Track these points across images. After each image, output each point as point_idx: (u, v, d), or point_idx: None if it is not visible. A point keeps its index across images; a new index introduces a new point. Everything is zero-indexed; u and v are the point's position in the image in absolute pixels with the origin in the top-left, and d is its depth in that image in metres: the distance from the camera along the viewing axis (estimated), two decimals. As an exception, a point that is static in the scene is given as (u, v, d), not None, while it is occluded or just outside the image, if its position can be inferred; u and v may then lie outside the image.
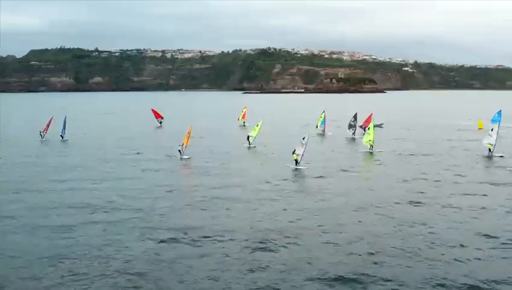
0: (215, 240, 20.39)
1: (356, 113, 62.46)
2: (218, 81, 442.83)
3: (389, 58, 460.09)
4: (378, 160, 41.97)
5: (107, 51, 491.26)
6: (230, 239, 20.38)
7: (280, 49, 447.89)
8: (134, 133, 64.36)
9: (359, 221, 22.99)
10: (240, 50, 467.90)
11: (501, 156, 42.07)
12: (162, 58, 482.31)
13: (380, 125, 74.39)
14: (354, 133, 60.54)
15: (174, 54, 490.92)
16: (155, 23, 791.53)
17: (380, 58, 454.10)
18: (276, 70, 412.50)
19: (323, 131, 64.14)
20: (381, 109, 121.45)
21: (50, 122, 57.95)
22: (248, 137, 49.21)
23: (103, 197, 28.00)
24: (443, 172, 35.14)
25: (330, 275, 16.64)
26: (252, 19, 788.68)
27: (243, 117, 78.31)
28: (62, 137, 56.13)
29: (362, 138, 58.99)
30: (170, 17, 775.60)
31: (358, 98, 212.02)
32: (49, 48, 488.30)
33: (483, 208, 25.06)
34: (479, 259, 17.98)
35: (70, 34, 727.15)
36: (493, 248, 19.12)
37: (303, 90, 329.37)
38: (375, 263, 17.60)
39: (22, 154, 46.12)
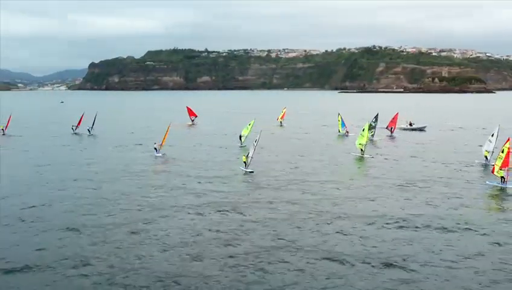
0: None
1: (377, 114, 59.82)
2: (321, 80, 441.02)
3: (507, 56, 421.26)
4: (338, 165, 40.37)
5: (216, 51, 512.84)
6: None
7: (386, 47, 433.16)
8: (161, 129, 67.73)
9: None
10: (344, 48, 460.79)
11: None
12: (266, 58, 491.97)
13: (422, 129, 70.26)
14: (373, 135, 58.06)
15: (279, 53, 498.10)
16: (263, 24, 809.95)
17: (496, 56, 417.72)
18: (379, 69, 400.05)
19: (347, 133, 62.34)
20: (459, 111, 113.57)
21: (82, 118, 63.43)
22: (240, 137, 49.66)
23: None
24: (406, 180, 32.46)
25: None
26: (359, 17, 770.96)
27: (282, 117, 78.51)
28: (89, 131, 61.27)
29: (379, 139, 56.89)
30: (277, 17, 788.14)
31: (457, 98, 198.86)
32: (164, 49, 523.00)
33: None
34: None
35: (184, 36, 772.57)
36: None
37: (402, 89, 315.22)
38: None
39: (46, 143, 54.57)
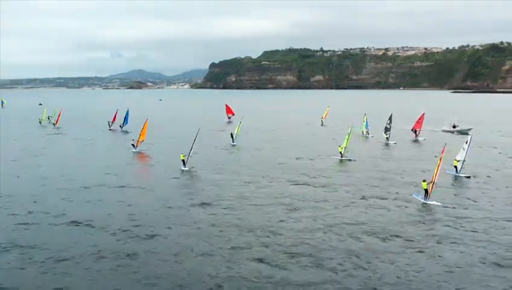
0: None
1: (391, 115, 56.81)
2: (440, 79, 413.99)
3: None
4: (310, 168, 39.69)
5: (331, 50, 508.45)
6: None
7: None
8: (193, 124, 70.63)
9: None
10: (468, 46, 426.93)
11: (468, 177, 34.51)
12: (382, 57, 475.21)
13: (467, 131, 64.83)
14: (388, 138, 55.43)
15: (396, 51, 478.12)
16: (382, 22, 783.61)
17: None
18: (506, 67, 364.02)
19: (368, 134, 60.33)
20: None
21: (116, 115, 68.99)
22: (231, 134, 50.80)
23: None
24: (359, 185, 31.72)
25: None
26: (487, 13, 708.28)
27: (324, 117, 77.71)
28: (121, 127, 66.24)
29: (393, 142, 53.70)
30: (398, 15, 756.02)
31: None
32: (280, 49, 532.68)
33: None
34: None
35: (301, 35, 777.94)
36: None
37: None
38: None
39: (76, 136, 61.22)
